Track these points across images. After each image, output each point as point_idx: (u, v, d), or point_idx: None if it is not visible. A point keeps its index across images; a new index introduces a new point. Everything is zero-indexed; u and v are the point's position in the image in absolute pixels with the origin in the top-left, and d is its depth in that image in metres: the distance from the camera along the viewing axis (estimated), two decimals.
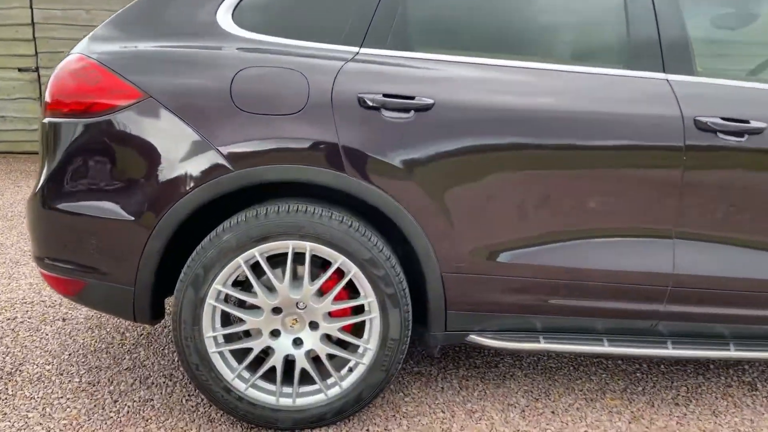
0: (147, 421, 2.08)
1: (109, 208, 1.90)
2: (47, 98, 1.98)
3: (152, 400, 2.21)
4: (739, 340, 2.10)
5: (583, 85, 1.96)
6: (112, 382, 2.33)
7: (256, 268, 1.96)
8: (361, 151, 1.86)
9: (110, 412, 2.13)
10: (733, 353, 2.04)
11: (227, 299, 1.98)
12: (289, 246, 1.91)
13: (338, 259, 1.93)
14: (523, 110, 1.90)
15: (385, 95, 1.87)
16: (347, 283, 1.96)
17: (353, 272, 1.94)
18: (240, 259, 1.91)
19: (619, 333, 2.08)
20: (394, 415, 2.15)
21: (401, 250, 2.12)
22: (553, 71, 1.97)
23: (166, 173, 1.87)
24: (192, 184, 1.86)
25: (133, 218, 1.89)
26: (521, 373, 2.49)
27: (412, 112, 1.87)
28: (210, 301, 1.93)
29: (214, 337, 1.97)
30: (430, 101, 1.87)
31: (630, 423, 2.15)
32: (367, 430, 2.06)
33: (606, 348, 2.03)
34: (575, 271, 1.98)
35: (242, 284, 2.10)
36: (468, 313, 2.02)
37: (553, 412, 2.20)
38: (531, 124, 1.90)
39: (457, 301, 2.00)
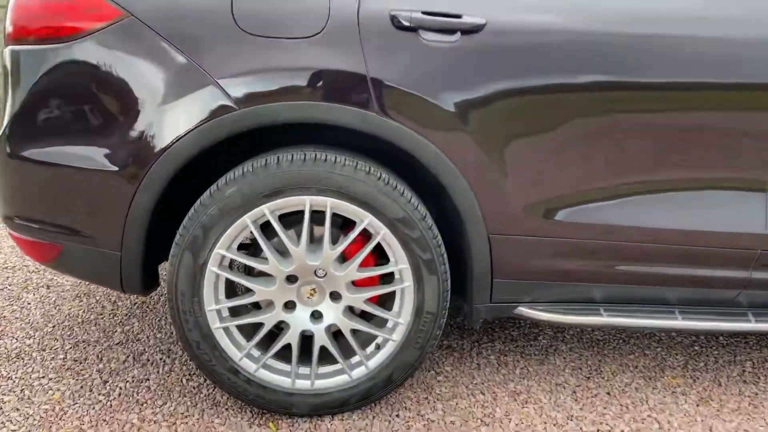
0: (141, 405, 1.80)
1: (86, 155, 1.56)
2: (8, 26, 1.62)
3: (147, 380, 1.92)
4: None
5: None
6: (101, 358, 2.04)
7: (265, 228, 1.64)
8: (395, 84, 1.51)
9: (99, 394, 1.84)
10: None
11: (232, 266, 1.67)
12: (305, 202, 1.58)
13: (365, 219, 1.61)
14: (607, 36, 1.54)
15: (424, 12, 1.50)
16: (374, 248, 1.64)
17: (382, 234, 1.62)
18: (247, 218, 1.58)
19: (693, 304, 1.77)
20: (426, 398, 1.87)
21: (434, 209, 1.79)
22: None
23: (153, 113, 1.53)
24: (186, 127, 1.51)
25: (115, 168, 1.56)
26: (565, 347, 2.20)
27: (458, 34, 1.51)
28: (212, 268, 1.61)
29: (218, 311, 1.66)
30: (481, 21, 1.51)
31: (698, 405, 1.87)
32: (397, 415, 1.78)
33: (679, 322, 1.73)
34: (648, 232, 1.65)
35: (250, 248, 1.78)
36: (518, 281, 1.71)
37: (608, 393, 1.91)
38: (616, 55, 1.53)
39: (505, 267, 1.68)
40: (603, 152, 1.59)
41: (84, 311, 2.37)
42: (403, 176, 1.72)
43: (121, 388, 1.88)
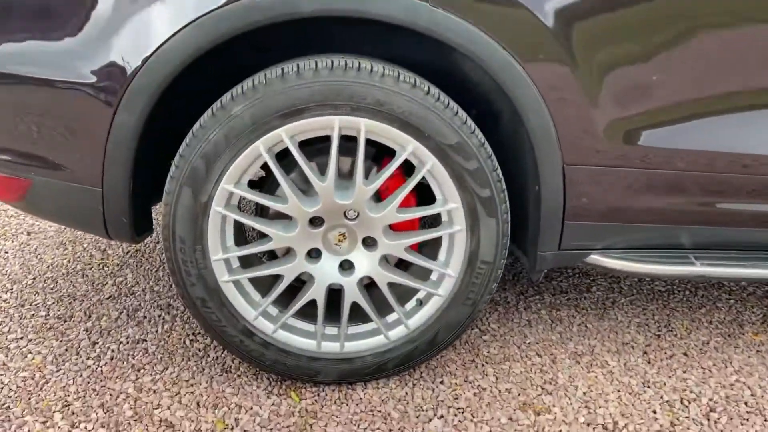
0: (138, 371, 1.52)
1: (49, 60, 1.21)
2: None
3: (145, 340, 1.64)
4: None
5: None
6: (89, 315, 1.75)
7: (282, 159, 1.31)
8: None
9: (87, 359, 1.56)
10: None
11: (241, 206, 1.35)
12: (334, 124, 1.25)
13: (407, 146, 1.27)
14: None
15: None
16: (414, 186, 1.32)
17: (429, 165, 1.29)
18: (260, 145, 1.25)
19: None
20: (473, 360, 1.59)
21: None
22: None
23: (130, 6, 1.17)
24: (175, 25, 1.15)
25: (89, 79, 1.21)
26: (624, 299, 1.91)
27: None
28: (217, 208, 1.29)
29: (226, 261, 1.35)
30: None
31: None
32: (441, 381, 1.50)
33: None
34: (759, 159, 1.33)
35: (263, 185, 1.46)
36: (594, 224, 1.39)
37: (685, 354, 1.64)
38: None
39: (580, 206, 1.36)
40: (714, 56, 1.24)
41: (69, 261, 2.06)
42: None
43: (113, 351, 1.59)
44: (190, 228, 1.29)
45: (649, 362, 1.60)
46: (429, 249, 1.42)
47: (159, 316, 1.75)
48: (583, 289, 1.97)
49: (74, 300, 1.83)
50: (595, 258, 1.44)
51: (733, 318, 1.82)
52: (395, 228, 1.40)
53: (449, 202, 1.33)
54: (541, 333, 1.72)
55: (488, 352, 1.63)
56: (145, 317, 1.75)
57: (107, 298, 1.84)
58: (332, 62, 1.22)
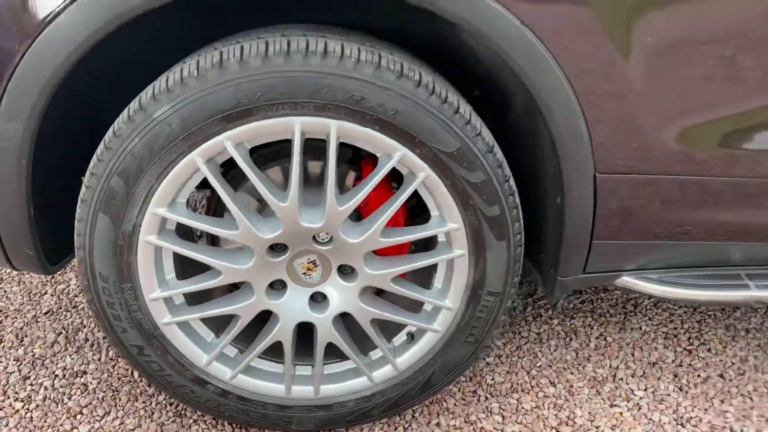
0: (75, 417, 1.26)
1: None
2: None
3: (85, 373, 1.37)
4: None
5: None
6: (22, 340, 1.47)
7: (232, 169, 1.00)
8: None
9: (15, 400, 1.30)
10: None
11: (181, 231, 1.05)
12: (294, 127, 0.93)
13: (393, 154, 0.97)
14: None
15: None
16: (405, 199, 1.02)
17: (422, 177, 0.99)
18: (196, 157, 0.94)
19: None
20: (475, 392, 1.34)
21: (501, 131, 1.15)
22: None
23: None
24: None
25: None
26: (647, 300, 1.66)
27: None
28: (147, 237, 0.99)
29: (167, 300, 1.07)
30: None
31: None
32: (437, 424, 1.26)
33: None
34: None
35: (210, 202, 1.16)
36: (628, 242, 1.11)
37: (722, 376, 1.40)
38: None
39: (613, 222, 1.07)
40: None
41: None
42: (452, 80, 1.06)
43: (46, 389, 1.33)
44: (113, 263, 1.00)
45: (681, 389, 1.36)
46: (420, 274, 1.14)
47: (103, 337, 1.48)
48: (598, 288, 1.71)
49: (6, 317, 1.55)
50: (628, 280, 1.16)
51: None
52: (380, 252, 1.12)
53: (448, 222, 1.04)
54: (554, 351, 1.47)
55: (493, 379, 1.38)
56: (87, 340, 1.47)
57: (45, 314, 1.57)
58: (288, 44, 0.89)
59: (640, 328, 1.55)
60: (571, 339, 1.51)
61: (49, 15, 0.87)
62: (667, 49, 0.92)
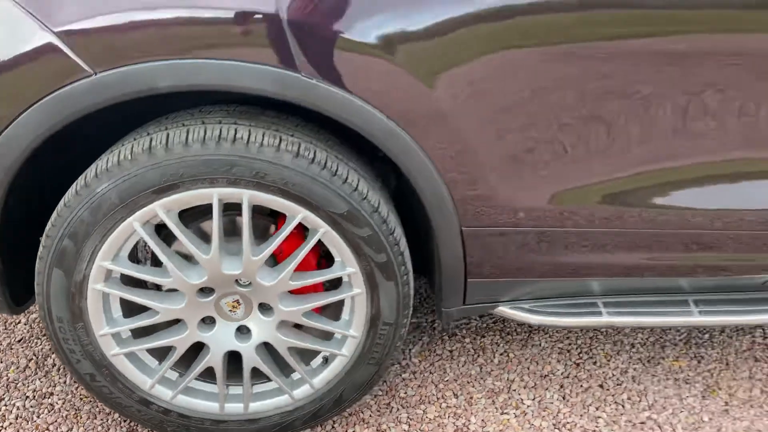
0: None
1: None
2: None
3: (52, 394, 1.58)
4: None
5: None
6: None
7: (164, 227, 1.22)
8: (323, 28, 1.03)
9: None
10: None
11: (125, 278, 1.27)
12: (212, 196, 1.16)
13: (297, 214, 1.20)
14: None
15: None
16: (321, 244, 1.25)
17: (322, 232, 1.22)
18: (133, 221, 1.16)
19: (712, 292, 1.45)
20: (388, 404, 1.57)
21: (392, 183, 1.39)
22: None
23: None
24: (14, 106, 1.03)
25: None
26: None
27: None
28: (95, 286, 1.21)
29: (115, 335, 1.29)
30: None
31: (704, 398, 1.61)
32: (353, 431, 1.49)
33: (696, 318, 1.41)
34: (669, 214, 1.28)
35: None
36: (499, 280, 1.35)
37: (601, 386, 1.64)
38: None
39: (483, 265, 1.31)
40: (610, 113, 1.17)
41: None
42: (352, 146, 1.29)
43: (18, 409, 1.54)
44: (67, 307, 1.22)
45: (564, 398, 1.60)
46: (335, 309, 1.37)
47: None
48: None
49: None
50: (503, 310, 1.40)
51: (657, 338, 1.82)
52: (296, 291, 1.34)
53: (347, 266, 1.27)
54: (461, 367, 1.70)
55: (405, 393, 1.61)
56: (54, 365, 1.68)
57: (18, 341, 1.77)
58: (204, 133, 1.12)
59: (540, 344, 1.79)
60: (478, 355, 1.75)
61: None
62: (497, 130, 1.15)
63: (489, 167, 1.18)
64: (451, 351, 1.76)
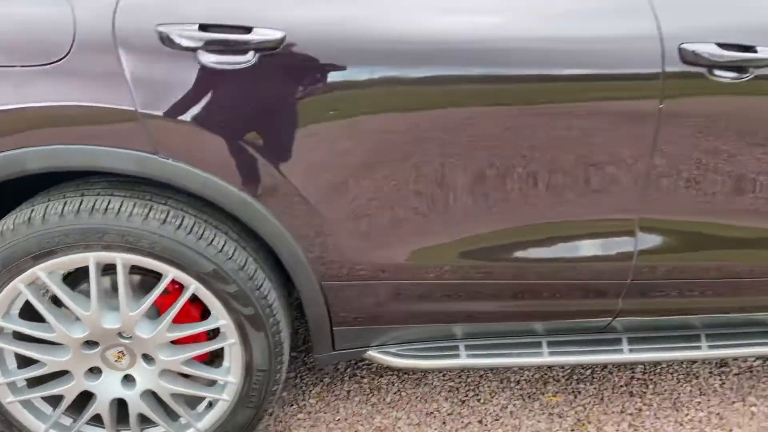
0: None
1: None
2: None
3: None
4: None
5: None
6: None
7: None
8: (176, 119, 1.19)
9: None
10: (707, 352, 1.60)
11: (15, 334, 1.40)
12: (89, 260, 1.30)
13: (168, 273, 1.34)
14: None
15: (202, 27, 1.17)
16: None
17: (193, 288, 1.36)
18: (18, 283, 1.30)
19: (563, 334, 1.60)
20: None
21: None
22: None
23: None
24: None
25: None
26: None
27: (252, 53, 1.18)
28: None
29: (10, 384, 1.41)
30: (278, 35, 1.18)
31: (573, 431, 1.75)
32: None
33: (546, 359, 1.56)
34: (507, 265, 1.44)
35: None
36: (363, 327, 1.49)
37: (480, 422, 1.77)
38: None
39: (346, 315, 1.46)
40: (445, 181, 1.33)
41: None
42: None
43: None
44: None
45: None
46: (219, 356, 1.51)
47: None
48: None
49: None
50: (372, 354, 1.54)
51: (542, 375, 1.96)
52: (179, 342, 1.47)
53: (219, 318, 1.41)
54: (355, 406, 1.83)
55: None
56: None
57: None
58: (79, 204, 1.27)
59: (432, 383, 1.92)
60: (373, 394, 1.87)
61: None
62: (344, 191, 1.31)
63: (339, 229, 1.34)
64: (348, 391, 1.89)
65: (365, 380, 1.93)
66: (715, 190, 1.38)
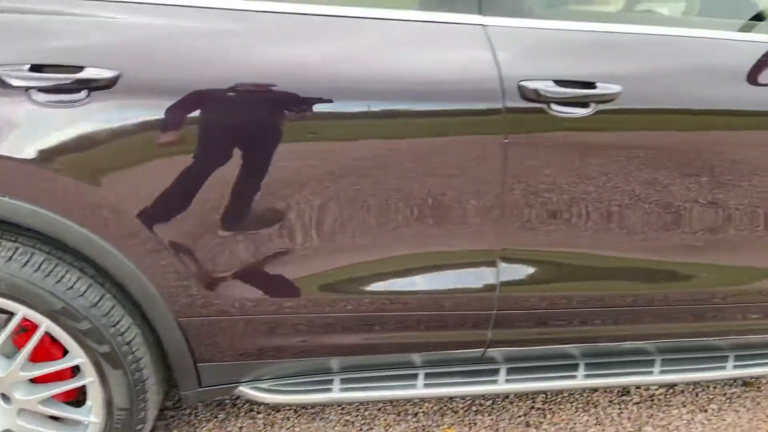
0: None
1: None
2: None
3: None
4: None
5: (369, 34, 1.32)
6: None
7: None
8: (10, 157, 1.19)
9: None
10: (582, 382, 1.60)
11: None
12: None
13: (18, 312, 1.32)
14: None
15: (33, 68, 1.17)
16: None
17: (44, 327, 1.34)
18: None
19: (441, 364, 1.59)
20: None
21: None
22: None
23: None
24: None
25: None
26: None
27: (85, 92, 1.19)
28: None
29: None
30: (111, 74, 1.19)
31: None
32: None
33: (420, 391, 1.55)
34: (374, 298, 1.44)
35: None
36: (230, 363, 1.47)
37: None
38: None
39: (209, 351, 1.44)
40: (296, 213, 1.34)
41: None
42: None
43: None
44: None
45: None
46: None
47: None
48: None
49: None
50: (243, 390, 1.52)
51: (441, 406, 1.94)
52: (39, 380, 1.45)
53: (76, 356, 1.39)
54: None
55: None
56: None
57: None
58: None
59: (328, 417, 1.89)
60: (266, 430, 1.84)
61: None
62: (190, 230, 1.31)
63: (191, 263, 1.33)
64: (241, 428, 1.85)
65: (260, 416, 1.90)
66: (571, 221, 1.40)
